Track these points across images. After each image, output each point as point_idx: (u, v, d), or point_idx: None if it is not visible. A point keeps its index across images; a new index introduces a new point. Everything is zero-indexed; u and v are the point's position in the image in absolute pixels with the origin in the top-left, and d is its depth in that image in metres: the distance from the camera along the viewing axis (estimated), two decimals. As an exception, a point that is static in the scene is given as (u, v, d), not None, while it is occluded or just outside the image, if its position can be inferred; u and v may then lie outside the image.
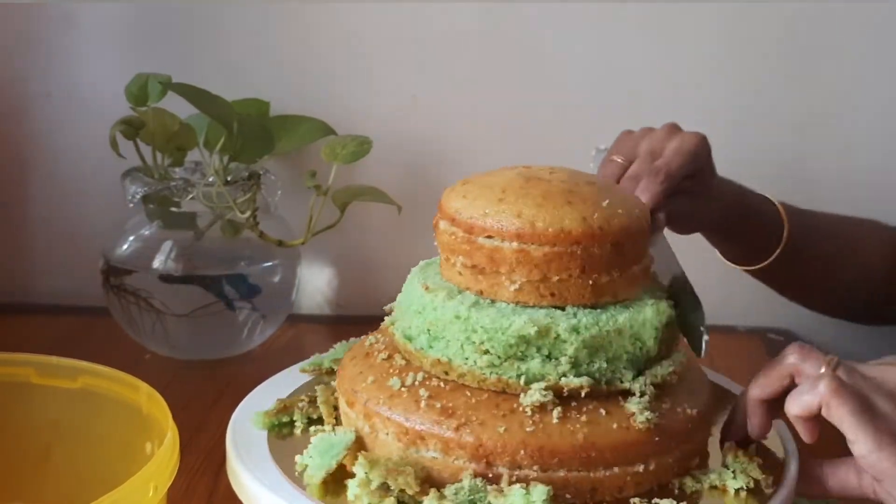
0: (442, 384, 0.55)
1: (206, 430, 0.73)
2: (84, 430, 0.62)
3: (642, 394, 0.54)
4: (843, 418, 0.51)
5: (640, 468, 0.53)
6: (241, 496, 0.56)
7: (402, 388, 0.55)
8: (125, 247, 0.87)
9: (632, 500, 0.52)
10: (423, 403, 0.54)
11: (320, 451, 0.55)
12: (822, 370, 0.53)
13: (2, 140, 1.00)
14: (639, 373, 0.55)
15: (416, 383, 0.55)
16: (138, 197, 0.85)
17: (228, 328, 0.88)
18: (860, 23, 0.97)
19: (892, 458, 0.51)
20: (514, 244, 0.55)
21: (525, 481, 0.51)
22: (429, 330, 0.56)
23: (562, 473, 0.52)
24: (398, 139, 0.98)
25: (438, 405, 0.54)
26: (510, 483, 0.51)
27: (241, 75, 0.97)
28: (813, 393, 0.52)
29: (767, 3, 0.96)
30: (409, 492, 0.51)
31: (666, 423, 0.54)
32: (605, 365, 0.54)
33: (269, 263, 0.89)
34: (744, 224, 0.78)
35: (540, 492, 0.50)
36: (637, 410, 0.53)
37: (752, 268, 0.81)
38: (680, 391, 0.57)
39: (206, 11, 0.97)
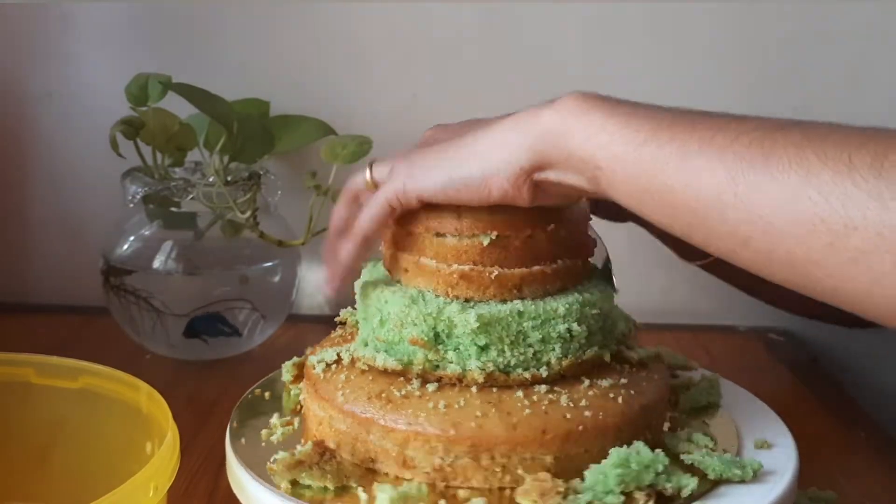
0: None
1: (206, 430, 0.73)
2: (84, 430, 0.62)
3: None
4: (371, 210, 0.56)
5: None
6: (240, 496, 0.56)
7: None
8: (125, 247, 0.87)
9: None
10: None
11: None
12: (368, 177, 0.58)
13: (2, 140, 1.00)
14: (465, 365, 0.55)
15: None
16: (138, 197, 0.85)
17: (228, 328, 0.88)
18: (860, 22, 0.97)
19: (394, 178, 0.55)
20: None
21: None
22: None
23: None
24: (398, 139, 0.97)
25: None
26: None
27: (241, 75, 0.97)
28: (368, 211, 0.56)
29: (768, 3, 0.96)
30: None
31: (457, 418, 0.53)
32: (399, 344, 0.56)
33: (269, 263, 0.89)
34: None
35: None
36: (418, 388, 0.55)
37: (704, 262, 0.80)
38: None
39: (206, 11, 0.97)
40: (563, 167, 0.50)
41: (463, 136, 0.54)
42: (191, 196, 0.83)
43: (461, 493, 0.52)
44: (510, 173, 0.51)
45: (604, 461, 0.51)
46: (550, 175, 0.51)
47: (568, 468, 0.52)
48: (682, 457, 0.55)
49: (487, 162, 0.52)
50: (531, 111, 0.51)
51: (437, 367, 0.55)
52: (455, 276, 0.56)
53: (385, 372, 0.56)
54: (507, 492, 0.52)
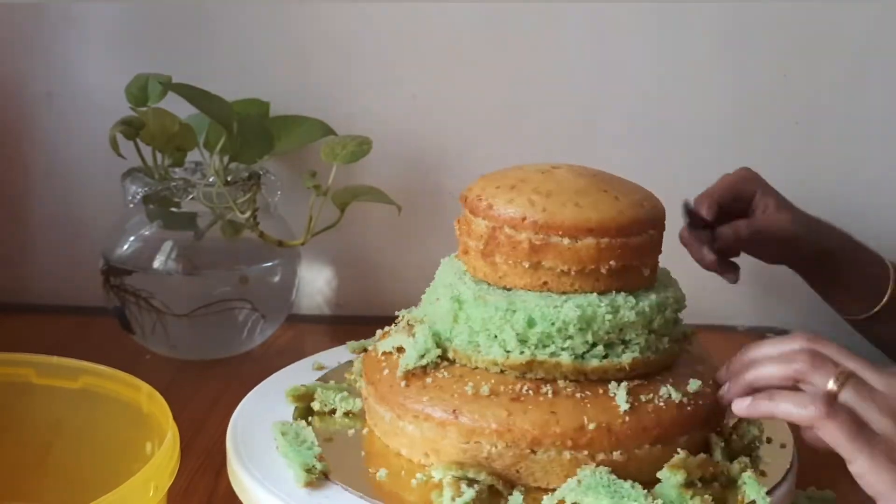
0: None
1: (206, 430, 0.73)
2: (84, 430, 0.62)
3: None
4: (835, 441, 0.51)
5: None
6: (241, 496, 0.56)
7: None
8: (125, 247, 0.87)
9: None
10: None
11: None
12: (830, 385, 0.53)
13: (2, 140, 1.00)
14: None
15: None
16: (138, 197, 0.85)
17: (228, 328, 0.88)
18: (860, 21, 0.97)
19: (887, 480, 0.50)
20: None
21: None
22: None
23: None
24: (398, 139, 0.98)
25: None
26: None
27: (241, 75, 0.97)
28: (805, 410, 0.52)
29: (768, 3, 0.96)
30: None
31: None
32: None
33: (269, 263, 0.89)
34: (842, 273, 0.81)
35: None
36: None
37: (854, 318, 0.83)
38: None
39: (205, 11, 0.97)
40: None
41: None
42: (191, 196, 0.84)
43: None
44: None
45: None
46: None
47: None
48: None
49: None
50: None
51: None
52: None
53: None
54: None
